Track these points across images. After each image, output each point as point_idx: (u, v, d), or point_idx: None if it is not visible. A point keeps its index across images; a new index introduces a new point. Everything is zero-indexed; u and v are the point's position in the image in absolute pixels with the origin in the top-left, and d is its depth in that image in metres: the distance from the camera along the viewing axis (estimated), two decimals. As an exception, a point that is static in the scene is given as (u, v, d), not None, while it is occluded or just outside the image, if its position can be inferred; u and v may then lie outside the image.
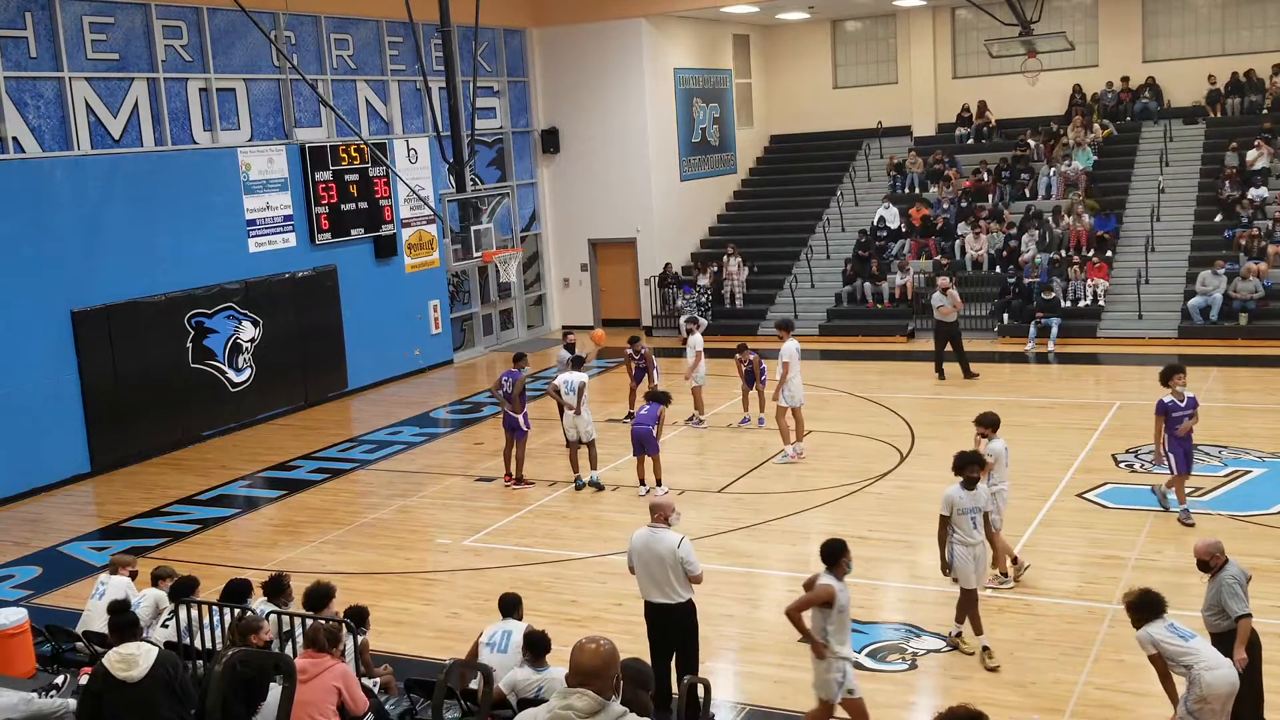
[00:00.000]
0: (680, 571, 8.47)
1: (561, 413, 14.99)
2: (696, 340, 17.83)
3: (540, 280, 27.41)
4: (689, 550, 8.50)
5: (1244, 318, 21.14)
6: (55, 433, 16.63)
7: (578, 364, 15.75)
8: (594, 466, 14.99)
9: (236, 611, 8.30)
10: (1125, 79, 27.45)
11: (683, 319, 22.42)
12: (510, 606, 8.48)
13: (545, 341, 25.88)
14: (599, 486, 14.84)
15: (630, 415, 17.31)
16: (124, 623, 7.07)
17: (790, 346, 15.45)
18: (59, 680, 7.40)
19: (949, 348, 19.80)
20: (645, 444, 14.33)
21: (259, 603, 8.76)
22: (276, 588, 8.88)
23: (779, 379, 15.42)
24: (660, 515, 8.65)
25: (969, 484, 9.48)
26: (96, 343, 17.07)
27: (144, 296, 17.80)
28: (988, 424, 11.08)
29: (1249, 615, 7.65)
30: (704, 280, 25.56)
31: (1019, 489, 13.64)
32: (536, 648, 7.81)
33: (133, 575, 9.89)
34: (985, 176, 26.56)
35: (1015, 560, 11.07)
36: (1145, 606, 7.37)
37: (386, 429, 18.91)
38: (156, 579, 9.61)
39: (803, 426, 15.71)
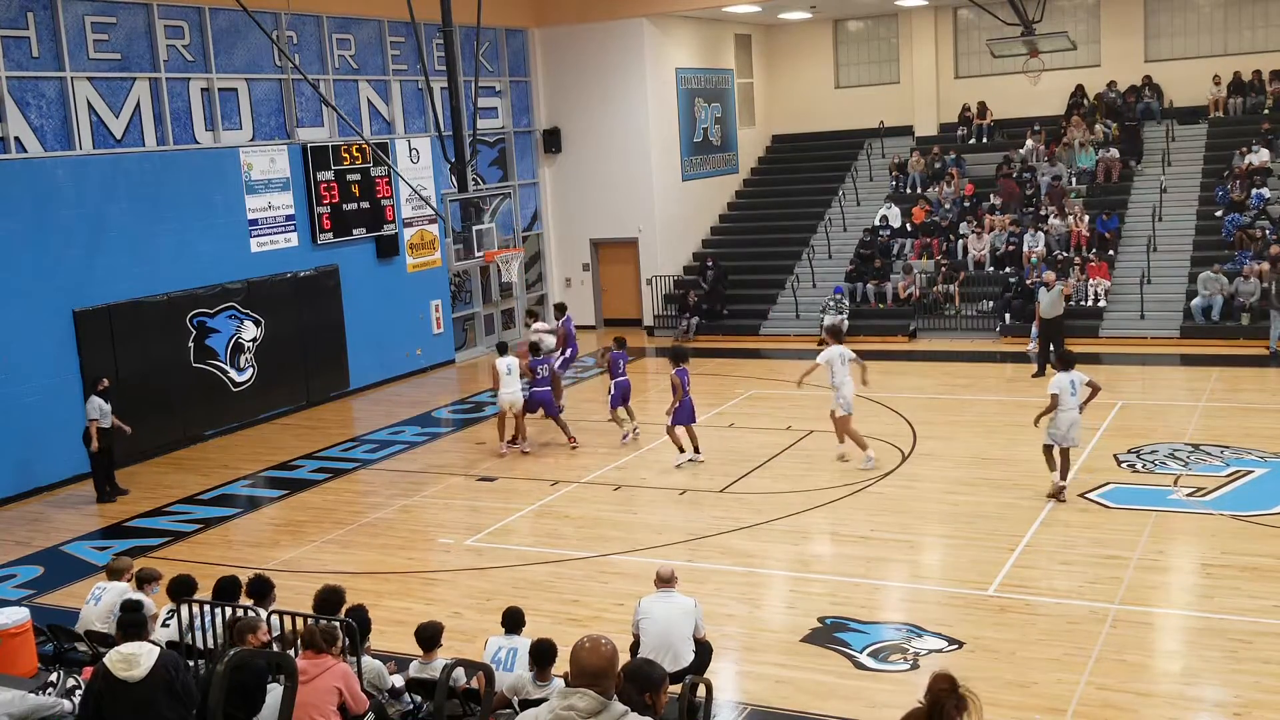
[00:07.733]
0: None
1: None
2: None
3: (542, 280, 27.40)
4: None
5: (1246, 318, 21.12)
6: (57, 432, 16.62)
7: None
8: (521, 437, 16.81)
9: (238, 611, 8.27)
10: (1128, 81, 27.41)
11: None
12: (514, 622, 8.40)
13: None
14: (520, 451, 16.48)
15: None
16: (131, 622, 7.05)
17: (833, 352, 15.12)
18: (53, 678, 7.38)
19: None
20: (626, 395, 16.47)
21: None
22: (261, 590, 8.82)
23: (836, 387, 15.06)
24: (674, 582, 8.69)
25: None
26: (98, 342, 17.08)
27: (146, 296, 17.80)
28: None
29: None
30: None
31: (1021, 489, 13.69)
32: (543, 659, 7.63)
33: (138, 583, 9.60)
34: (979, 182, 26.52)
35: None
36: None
37: (388, 429, 18.92)
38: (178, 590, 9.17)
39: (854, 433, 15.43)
